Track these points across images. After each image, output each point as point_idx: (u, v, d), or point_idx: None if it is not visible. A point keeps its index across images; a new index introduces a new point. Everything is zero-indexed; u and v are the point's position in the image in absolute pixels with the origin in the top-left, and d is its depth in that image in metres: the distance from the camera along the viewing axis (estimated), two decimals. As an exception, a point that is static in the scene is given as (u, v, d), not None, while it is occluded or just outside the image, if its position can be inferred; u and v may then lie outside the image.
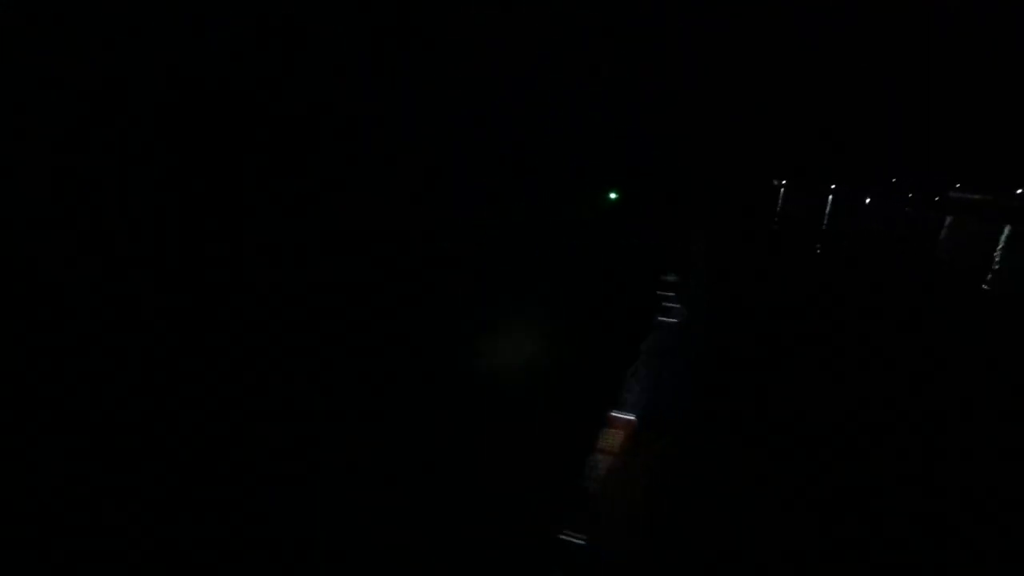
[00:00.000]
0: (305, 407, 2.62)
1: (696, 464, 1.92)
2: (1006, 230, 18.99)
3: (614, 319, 2.45)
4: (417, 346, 2.66)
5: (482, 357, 2.46)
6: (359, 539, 2.12)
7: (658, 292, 2.36)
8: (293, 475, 2.43)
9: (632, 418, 1.59)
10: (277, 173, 2.89)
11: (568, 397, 2.10)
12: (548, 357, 2.46)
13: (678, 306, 2.23)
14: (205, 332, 2.71)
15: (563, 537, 1.17)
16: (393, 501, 2.00)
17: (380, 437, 2.35)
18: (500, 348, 2.48)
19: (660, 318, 2.19)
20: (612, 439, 1.48)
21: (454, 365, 2.51)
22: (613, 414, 1.60)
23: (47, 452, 2.26)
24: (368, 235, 2.93)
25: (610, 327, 2.40)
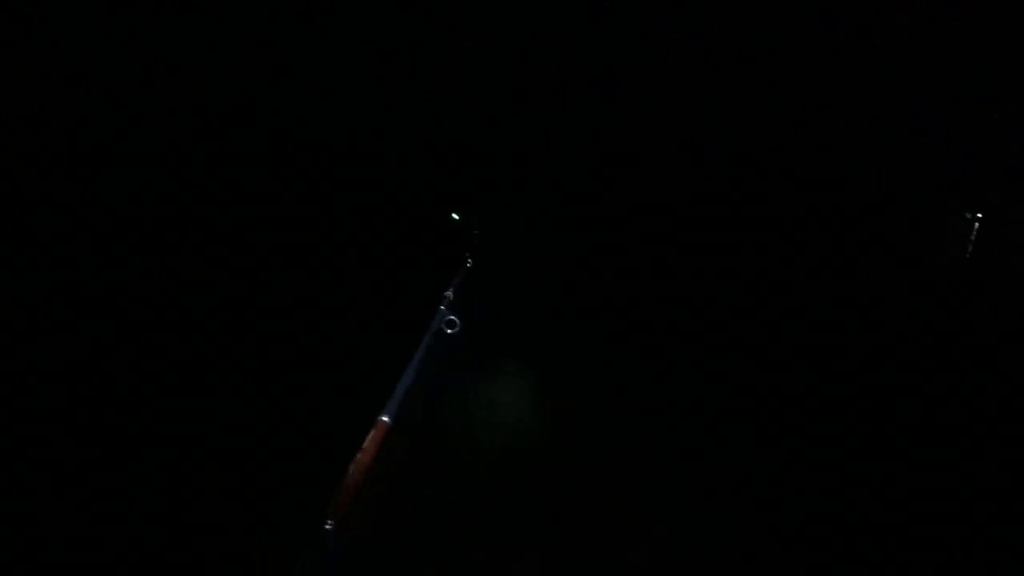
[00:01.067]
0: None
1: (431, 463, 2.22)
2: None
3: (391, 327, 2.58)
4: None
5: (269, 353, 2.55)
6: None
7: (437, 304, 2.50)
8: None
9: (387, 420, 1.83)
10: (276, 173, 2.90)
11: (337, 398, 2.27)
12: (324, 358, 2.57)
13: (453, 319, 2.41)
14: (205, 332, 2.71)
15: (323, 525, 1.42)
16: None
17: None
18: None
19: (436, 329, 2.39)
20: (371, 439, 1.73)
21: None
22: (379, 417, 1.83)
23: (47, 451, 2.26)
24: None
25: (385, 335, 2.54)
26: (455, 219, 3.05)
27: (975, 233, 3.16)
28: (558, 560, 1.80)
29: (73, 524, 1.85)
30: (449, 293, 2.53)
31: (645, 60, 2.95)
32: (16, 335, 2.48)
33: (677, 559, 1.85)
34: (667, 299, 3.11)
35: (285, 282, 2.88)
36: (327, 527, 1.38)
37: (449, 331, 2.36)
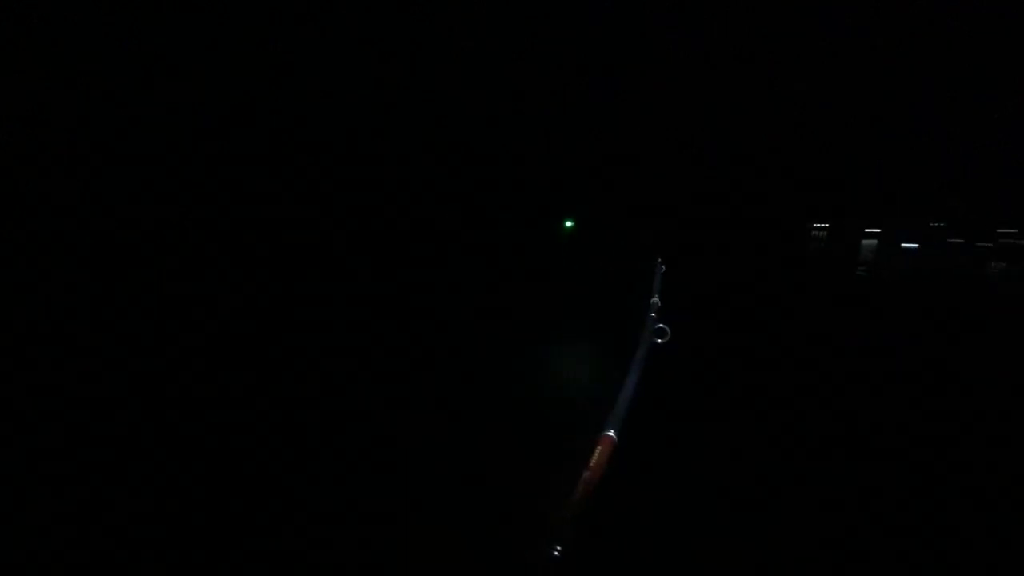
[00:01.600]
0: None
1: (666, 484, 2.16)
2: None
3: (615, 342, 2.51)
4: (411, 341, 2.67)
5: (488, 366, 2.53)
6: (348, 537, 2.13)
7: (652, 323, 2.41)
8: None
9: (613, 435, 1.69)
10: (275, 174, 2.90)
11: (566, 413, 2.21)
12: (552, 371, 2.53)
13: (663, 328, 2.30)
14: (205, 332, 2.71)
15: (550, 549, 1.28)
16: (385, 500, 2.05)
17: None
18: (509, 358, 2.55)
19: (649, 343, 2.29)
20: (598, 456, 1.61)
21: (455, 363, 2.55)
22: (603, 433, 1.71)
23: (47, 452, 2.26)
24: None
25: (611, 351, 2.47)
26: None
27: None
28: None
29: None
30: (656, 299, 2.37)
31: (645, 60, 2.95)
32: (16, 335, 2.48)
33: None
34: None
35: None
36: (555, 553, 1.24)
37: (659, 341, 2.20)
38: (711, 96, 3.02)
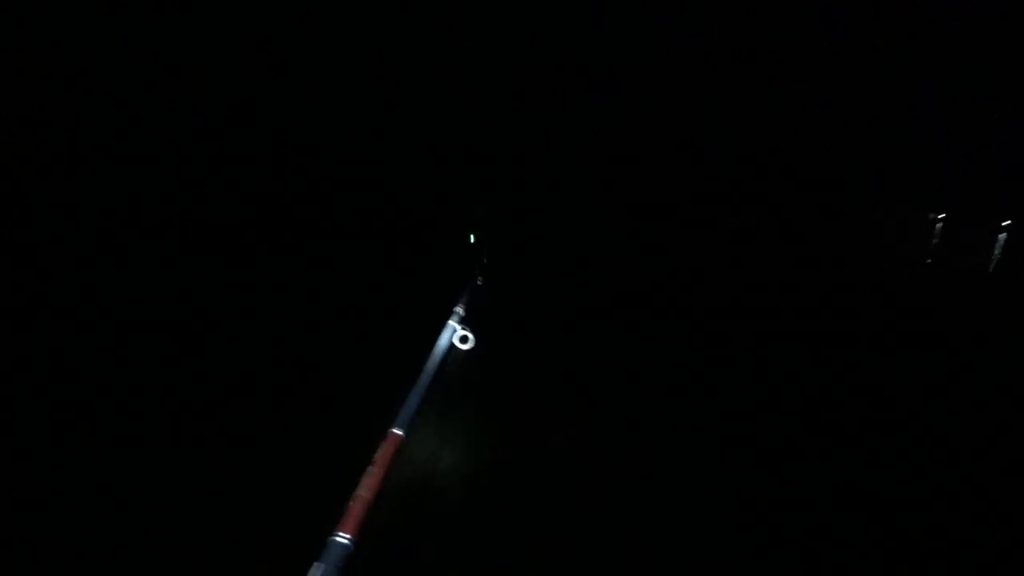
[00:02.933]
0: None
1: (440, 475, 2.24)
2: None
3: (403, 339, 2.58)
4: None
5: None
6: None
7: (449, 318, 2.48)
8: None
9: (401, 433, 1.82)
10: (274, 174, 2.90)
11: (349, 411, 2.28)
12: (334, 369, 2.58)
13: (466, 335, 2.40)
14: (204, 332, 2.71)
15: (333, 537, 1.40)
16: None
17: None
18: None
19: (446, 343, 2.38)
20: (382, 451, 1.73)
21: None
22: (390, 429, 1.82)
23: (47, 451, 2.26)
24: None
25: (397, 347, 2.54)
26: (467, 217, 3.00)
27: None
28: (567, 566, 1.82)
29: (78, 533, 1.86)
30: (460, 308, 2.50)
31: (645, 60, 2.95)
32: (16, 336, 2.48)
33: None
34: (670, 300, 3.07)
35: (296, 287, 2.85)
36: (342, 540, 1.36)
37: (464, 346, 2.34)
38: (711, 96, 3.02)
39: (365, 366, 2.57)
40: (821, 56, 2.90)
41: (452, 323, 2.41)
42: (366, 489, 1.49)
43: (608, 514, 1.99)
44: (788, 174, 3.03)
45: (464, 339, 2.36)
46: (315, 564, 1.28)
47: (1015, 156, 2.82)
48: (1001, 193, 2.92)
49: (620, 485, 2.12)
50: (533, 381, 2.70)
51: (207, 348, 2.61)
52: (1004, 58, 2.73)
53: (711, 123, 3.01)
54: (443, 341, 2.31)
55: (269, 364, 2.57)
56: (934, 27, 2.76)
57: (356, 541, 1.36)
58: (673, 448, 2.41)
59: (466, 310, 2.53)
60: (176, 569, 1.68)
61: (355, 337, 2.72)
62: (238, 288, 2.83)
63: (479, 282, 2.81)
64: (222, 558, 1.72)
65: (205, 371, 2.52)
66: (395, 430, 1.76)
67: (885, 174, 2.97)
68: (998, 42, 2.71)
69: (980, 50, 2.75)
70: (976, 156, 2.85)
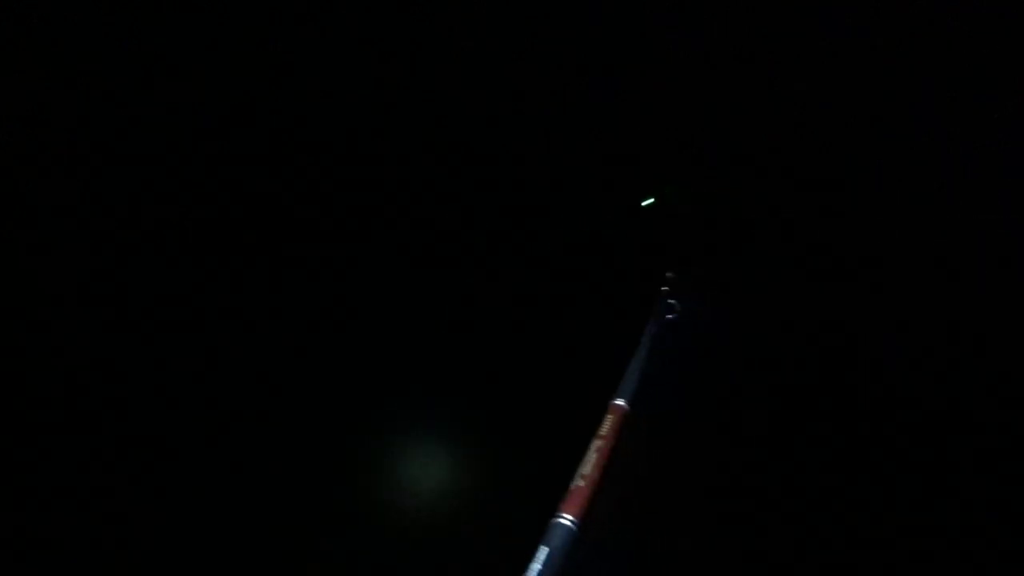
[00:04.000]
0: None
1: (684, 456, 2.05)
2: None
3: (616, 310, 2.49)
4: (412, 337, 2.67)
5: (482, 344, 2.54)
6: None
7: (660, 287, 2.36)
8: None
9: (625, 405, 1.64)
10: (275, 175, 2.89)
11: (569, 383, 2.18)
12: (550, 343, 2.53)
13: (676, 302, 2.26)
14: (205, 332, 2.71)
15: (557, 519, 1.25)
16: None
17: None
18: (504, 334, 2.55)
19: (661, 312, 2.23)
20: (608, 425, 1.55)
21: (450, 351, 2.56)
22: (612, 401, 1.65)
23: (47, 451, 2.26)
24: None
25: (612, 318, 2.45)
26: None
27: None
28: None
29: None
30: (671, 274, 2.36)
31: (645, 60, 2.95)
32: (16, 336, 2.48)
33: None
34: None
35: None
36: (566, 522, 1.22)
37: (669, 316, 2.21)
38: (711, 96, 3.01)
39: (579, 335, 2.44)
40: (821, 56, 2.89)
41: (665, 289, 2.28)
42: (592, 467, 1.33)
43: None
44: (788, 174, 3.03)
45: (673, 308, 2.23)
46: (540, 547, 1.15)
47: (1015, 156, 2.82)
48: (1001, 193, 2.92)
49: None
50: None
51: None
52: (1004, 58, 2.73)
53: (711, 123, 3.01)
54: (660, 309, 2.17)
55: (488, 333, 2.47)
56: (934, 27, 2.76)
57: (580, 524, 1.22)
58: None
59: (675, 279, 2.38)
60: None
61: (566, 305, 2.58)
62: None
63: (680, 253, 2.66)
64: (444, 533, 1.64)
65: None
66: (619, 402, 1.59)
67: (885, 174, 2.97)
68: (998, 42, 2.71)
69: (980, 50, 2.75)
70: (976, 156, 2.85)
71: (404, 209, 2.91)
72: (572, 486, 1.34)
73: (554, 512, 1.25)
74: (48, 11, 2.62)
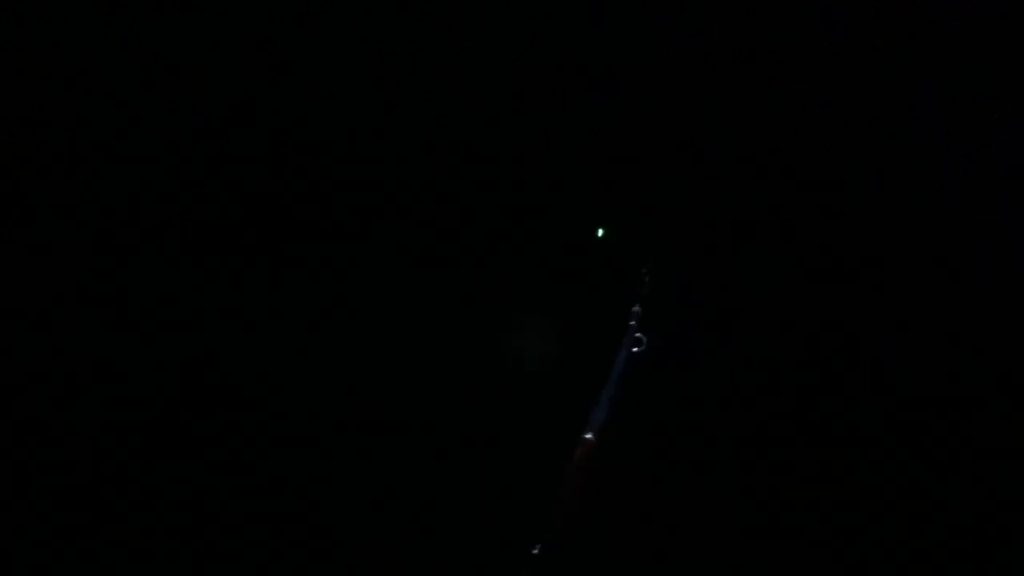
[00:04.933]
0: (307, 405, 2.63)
1: (646, 480, 2.14)
2: None
3: (583, 341, 2.51)
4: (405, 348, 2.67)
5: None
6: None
7: (627, 320, 2.40)
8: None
9: (593, 439, 1.76)
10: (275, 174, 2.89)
11: (534, 419, 2.23)
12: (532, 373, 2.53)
13: (640, 337, 2.31)
14: (205, 332, 2.71)
15: (537, 544, 1.32)
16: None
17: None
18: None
19: (628, 346, 2.29)
20: (577, 460, 1.66)
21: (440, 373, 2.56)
22: (580, 435, 1.75)
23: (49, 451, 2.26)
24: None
25: (578, 350, 2.48)
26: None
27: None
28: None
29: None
30: (638, 308, 2.38)
31: (645, 60, 2.95)
32: (16, 336, 2.48)
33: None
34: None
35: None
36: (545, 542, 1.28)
37: (636, 349, 2.26)
38: (711, 96, 3.01)
39: (545, 368, 2.48)
40: (821, 56, 2.89)
41: (632, 324, 2.31)
42: (564, 502, 1.41)
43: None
44: (788, 174, 3.03)
45: (638, 342, 2.27)
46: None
47: (1015, 156, 2.82)
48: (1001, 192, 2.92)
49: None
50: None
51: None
52: (1004, 58, 2.73)
53: (711, 123, 3.00)
54: (626, 343, 2.22)
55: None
56: (934, 27, 2.75)
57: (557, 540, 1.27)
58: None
59: (641, 310, 2.40)
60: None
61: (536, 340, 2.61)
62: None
63: (646, 280, 2.65)
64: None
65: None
66: (588, 436, 1.70)
67: (885, 174, 2.97)
68: (998, 42, 2.71)
69: (980, 50, 2.75)
70: (976, 156, 2.85)
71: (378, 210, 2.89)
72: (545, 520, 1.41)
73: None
74: (48, 11, 2.62)
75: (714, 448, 2.45)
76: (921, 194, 3.00)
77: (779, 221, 3.17)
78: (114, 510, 2.35)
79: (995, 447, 2.56)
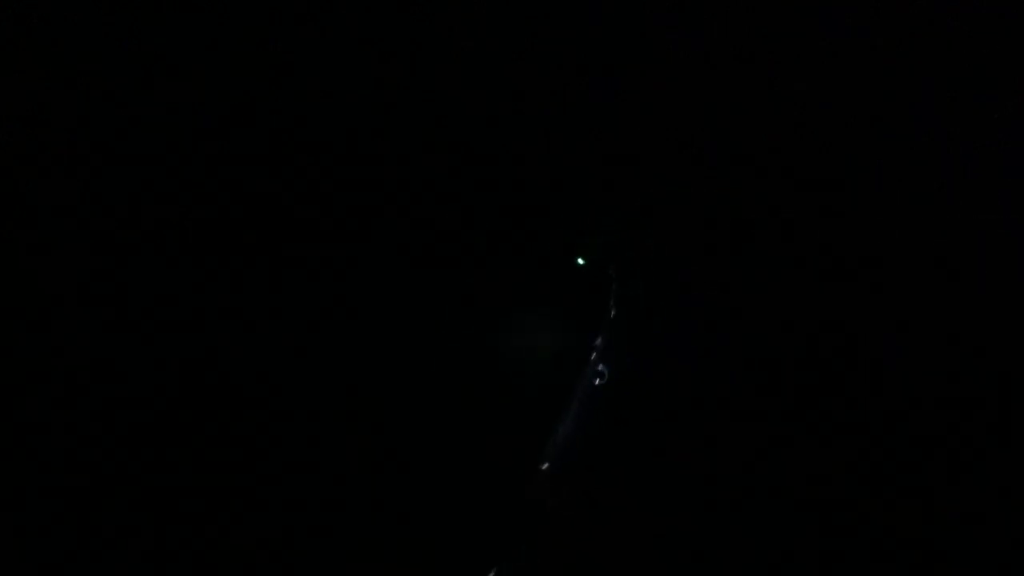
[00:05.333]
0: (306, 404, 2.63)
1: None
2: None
3: (543, 370, 2.53)
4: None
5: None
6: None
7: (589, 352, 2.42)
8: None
9: (552, 470, 1.80)
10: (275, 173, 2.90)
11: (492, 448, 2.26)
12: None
13: (602, 370, 2.33)
14: (205, 331, 2.71)
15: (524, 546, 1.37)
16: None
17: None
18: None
19: (589, 377, 2.32)
20: (533, 487, 1.70)
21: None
22: (538, 467, 1.80)
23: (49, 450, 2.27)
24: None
25: (538, 379, 2.50)
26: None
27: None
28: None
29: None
30: (599, 341, 2.38)
31: (645, 60, 2.95)
32: (15, 337, 2.48)
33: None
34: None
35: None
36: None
37: (597, 381, 2.26)
38: (711, 96, 3.02)
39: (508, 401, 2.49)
40: (821, 56, 2.89)
41: (594, 355, 2.31)
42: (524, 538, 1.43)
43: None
44: (788, 174, 3.03)
45: (600, 375, 2.28)
46: None
47: (1015, 156, 2.82)
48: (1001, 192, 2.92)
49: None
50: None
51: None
52: (1004, 58, 2.73)
53: (711, 123, 3.00)
54: (588, 373, 2.23)
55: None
56: (934, 27, 2.75)
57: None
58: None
59: (604, 343, 2.39)
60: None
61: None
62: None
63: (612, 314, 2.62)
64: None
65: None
66: (544, 467, 1.73)
67: (885, 174, 2.97)
68: (998, 42, 2.71)
69: (980, 50, 2.75)
70: (976, 156, 2.85)
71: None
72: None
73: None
74: (48, 11, 2.63)
75: (713, 448, 2.46)
76: (921, 194, 3.00)
77: (779, 221, 3.17)
78: (114, 510, 2.35)
79: (995, 447, 2.56)
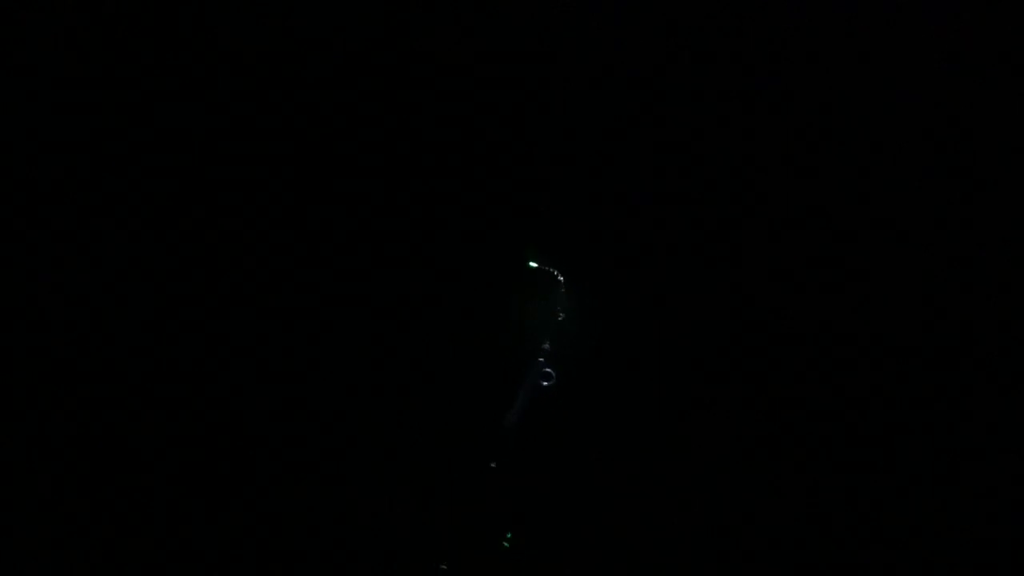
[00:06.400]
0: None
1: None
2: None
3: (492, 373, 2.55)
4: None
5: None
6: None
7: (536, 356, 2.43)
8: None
9: (499, 471, 1.89)
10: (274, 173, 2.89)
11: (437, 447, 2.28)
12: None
13: (549, 372, 2.35)
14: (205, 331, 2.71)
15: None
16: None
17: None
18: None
19: (535, 380, 2.34)
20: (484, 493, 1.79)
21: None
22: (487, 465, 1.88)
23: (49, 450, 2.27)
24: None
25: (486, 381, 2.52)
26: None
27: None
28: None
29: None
30: (547, 345, 2.38)
31: (645, 60, 2.95)
32: (15, 337, 2.48)
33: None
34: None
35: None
36: None
37: (545, 384, 2.27)
38: (711, 96, 3.01)
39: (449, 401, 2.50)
40: (821, 56, 2.89)
41: (540, 360, 2.31)
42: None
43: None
44: (788, 174, 3.03)
45: (547, 376, 2.29)
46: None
47: (1015, 156, 2.82)
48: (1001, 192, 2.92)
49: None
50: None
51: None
52: (1004, 58, 2.73)
53: (711, 123, 3.01)
54: (531, 380, 2.24)
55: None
56: (934, 27, 2.75)
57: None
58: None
59: (551, 346, 2.39)
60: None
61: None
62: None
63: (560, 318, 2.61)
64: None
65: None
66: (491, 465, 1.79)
67: (885, 174, 2.97)
68: (998, 42, 2.71)
69: (980, 50, 2.75)
70: (976, 156, 2.85)
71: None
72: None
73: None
74: (48, 11, 2.62)
75: (712, 448, 2.46)
76: (921, 194, 3.00)
77: (779, 221, 3.17)
78: (114, 510, 2.35)
79: (995, 447, 2.56)
